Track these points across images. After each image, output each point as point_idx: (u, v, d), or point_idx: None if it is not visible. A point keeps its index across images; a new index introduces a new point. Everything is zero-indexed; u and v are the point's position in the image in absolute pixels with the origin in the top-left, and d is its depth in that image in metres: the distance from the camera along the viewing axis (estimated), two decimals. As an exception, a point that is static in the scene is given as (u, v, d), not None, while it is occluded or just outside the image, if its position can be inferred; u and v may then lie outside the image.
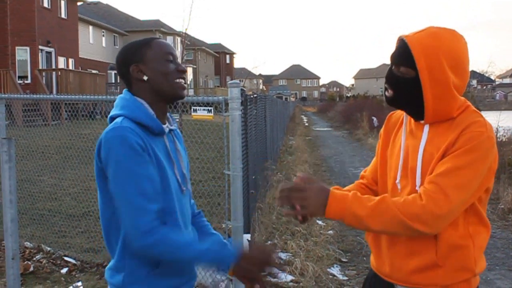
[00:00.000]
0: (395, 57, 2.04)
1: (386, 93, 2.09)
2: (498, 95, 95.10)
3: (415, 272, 2.03)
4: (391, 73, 2.06)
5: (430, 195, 1.89)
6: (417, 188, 2.00)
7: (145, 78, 2.09)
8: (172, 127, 2.20)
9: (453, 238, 1.97)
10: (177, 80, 2.12)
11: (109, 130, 1.97)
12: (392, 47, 2.09)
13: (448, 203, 1.88)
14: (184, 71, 2.15)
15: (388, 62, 2.09)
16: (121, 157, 1.92)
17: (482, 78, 55.86)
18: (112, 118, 2.06)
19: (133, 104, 2.06)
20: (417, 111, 2.04)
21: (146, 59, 2.09)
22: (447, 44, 1.95)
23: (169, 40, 46.47)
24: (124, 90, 2.17)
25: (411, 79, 1.98)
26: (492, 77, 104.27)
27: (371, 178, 2.34)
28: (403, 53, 1.99)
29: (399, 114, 2.25)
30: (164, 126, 2.12)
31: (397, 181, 2.11)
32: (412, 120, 2.12)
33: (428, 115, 2.01)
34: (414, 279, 2.04)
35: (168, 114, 2.21)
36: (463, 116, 1.99)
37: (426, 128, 2.04)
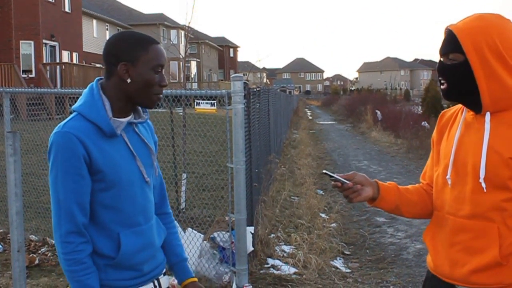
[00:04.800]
0: (443, 47, 2.00)
1: (442, 86, 2.02)
2: None
3: (476, 271, 1.95)
4: (441, 64, 2.01)
5: None
6: (481, 181, 1.90)
7: (129, 80, 2.05)
8: (137, 120, 2.16)
9: None
10: (156, 94, 2.10)
11: (55, 133, 1.99)
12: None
13: None
14: (165, 86, 2.12)
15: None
16: (60, 169, 1.97)
17: None
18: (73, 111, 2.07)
19: (94, 104, 2.05)
20: (475, 101, 1.95)
21: (138, 62, 2.04)
22: (493, 25, 1.91)
23: (172, 33, 46.37)
24: (96, 81, 2.12)
25: (461, 64, 1.93)
26: None
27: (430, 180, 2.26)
28: (450, 40, 1.96)
29: (452, 110, 2.16)
30: (124, 120, 2.09)
31: (447, 176, 2.02)
32: (471, 114, 2.01)
33: (485, 100, 1.91)
34: (475, 279, 1.96)
35: (139, 108, 2.19)
36: None
37: (488, 117, 1.93)
